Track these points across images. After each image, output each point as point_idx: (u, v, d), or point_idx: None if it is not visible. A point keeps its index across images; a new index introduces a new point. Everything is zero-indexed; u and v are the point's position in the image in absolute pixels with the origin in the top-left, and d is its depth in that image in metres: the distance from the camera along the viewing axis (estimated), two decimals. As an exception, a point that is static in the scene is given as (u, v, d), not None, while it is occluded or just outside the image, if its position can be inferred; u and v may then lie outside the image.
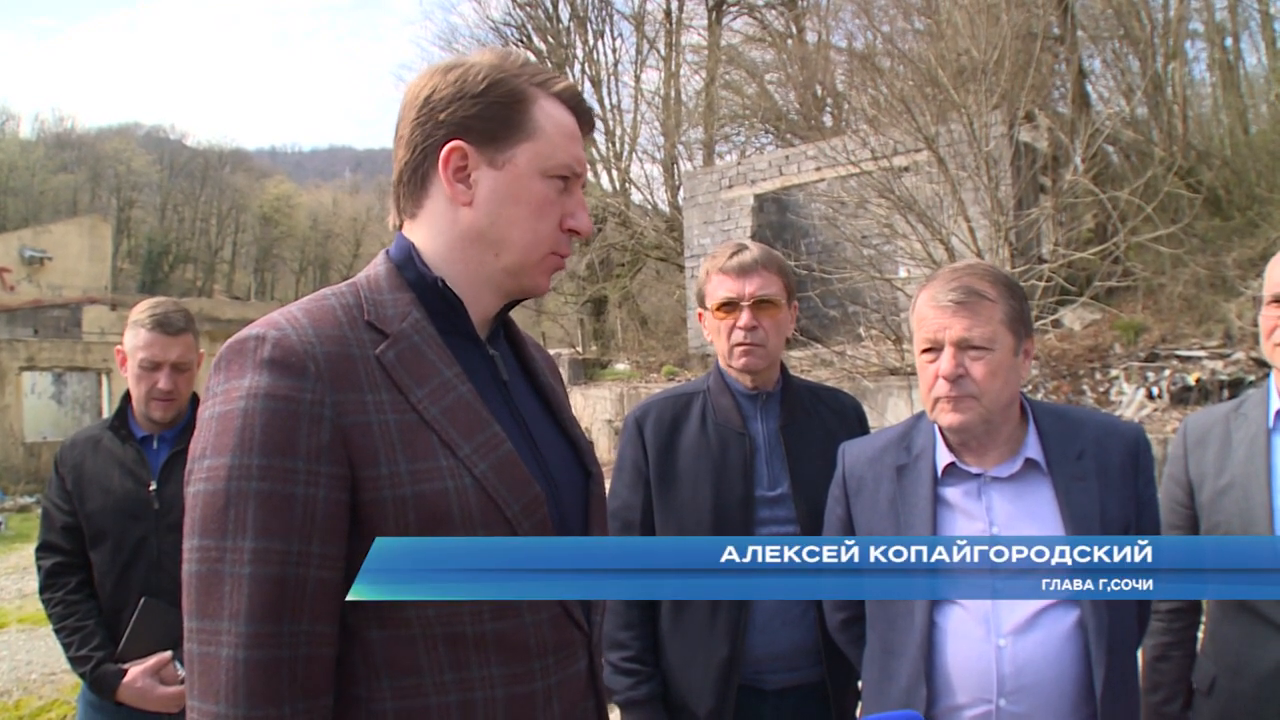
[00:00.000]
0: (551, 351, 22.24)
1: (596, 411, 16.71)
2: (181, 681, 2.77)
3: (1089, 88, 15.45)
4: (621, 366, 20.06)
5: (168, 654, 2.80)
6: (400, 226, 1.50)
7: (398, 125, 1.47)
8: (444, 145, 1.41)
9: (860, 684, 2.30)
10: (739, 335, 2.51)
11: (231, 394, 1.27)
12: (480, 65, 1.43)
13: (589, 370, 19.62)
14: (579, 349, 21.98)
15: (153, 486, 2.90)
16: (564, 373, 19.43)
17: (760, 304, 2.52)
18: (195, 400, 3.09)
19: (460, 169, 1.42)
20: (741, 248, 2.58)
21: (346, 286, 1.43)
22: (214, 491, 1.23)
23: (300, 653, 1.23)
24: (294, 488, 1.24)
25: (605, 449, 15.01)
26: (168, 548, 2.82)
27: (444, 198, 1.43)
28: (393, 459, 1.28)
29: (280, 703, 1.21)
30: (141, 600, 2.81)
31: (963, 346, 1.94)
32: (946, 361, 1.95)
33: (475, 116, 1.41)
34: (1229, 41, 15.83)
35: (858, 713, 2.42)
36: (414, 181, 1.46)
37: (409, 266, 1.44)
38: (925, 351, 2.01)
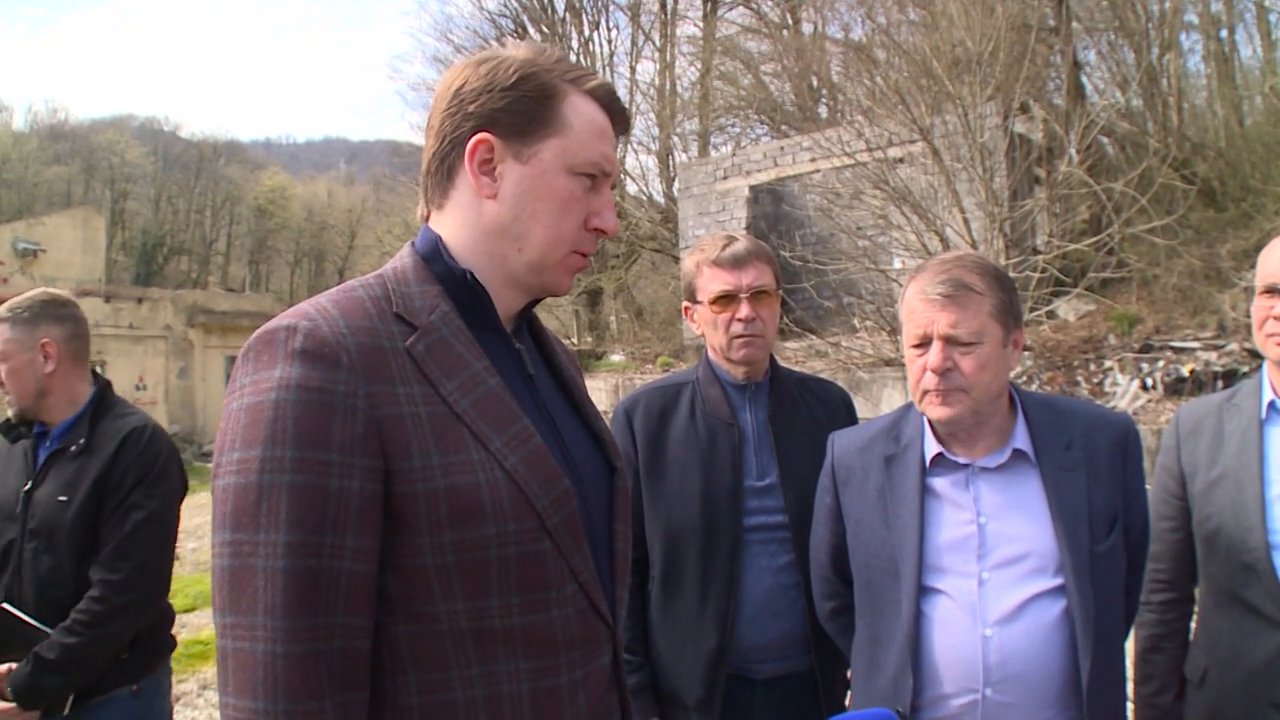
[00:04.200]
0: (546, 343, 22.24)
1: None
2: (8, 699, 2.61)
3: (1084, 79, 15.44)
4: (617, 358, 20.06)
5: (4, 667, 2.63)
6: (427, 218, 1.49)
7: (429, 116, 1.47)
8: (471, 137, 1.40)
9: (850, 673, 2.29)
10: (738, 328, 2.49)
11: (261, 385, 1.25)
12: (513, 59, 1.42)
13: (584, 362, 19.61)
14: (574, 340, 21.98)
15: (26, 487, 2.77)
16: (559, 364, 19.45)
17: (757, 294, 2.50)
18: (95, 399, 2.88)
19: (486, 162, 1.41)
20: (732, 239, 2.56)
21: (374, 278, 1.42)
22: (245, 485, 1.21)
23: (336, 646, 1.21)
24: (328, 480, 1.22)
25: (600, 441, 14.95)
26: (28, 554, 2.72)
27: (470, 190, 1.42)
28: (425, 451, 1.27)
29: (320, 696, 1.19)
30: None
31: (951, 340, 1.94)
32: (935, 355, 1.94)
33: (503, 109, 1.40)
34: (1224, 33, 15.87)
35: (847, 702, 2.41)
36: (441, 172, 1.45)
37: (436, 259, 1.44)
38: (914, 346, 2.00)
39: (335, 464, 1.22)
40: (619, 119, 1.49)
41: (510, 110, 1.40)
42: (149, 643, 2.80)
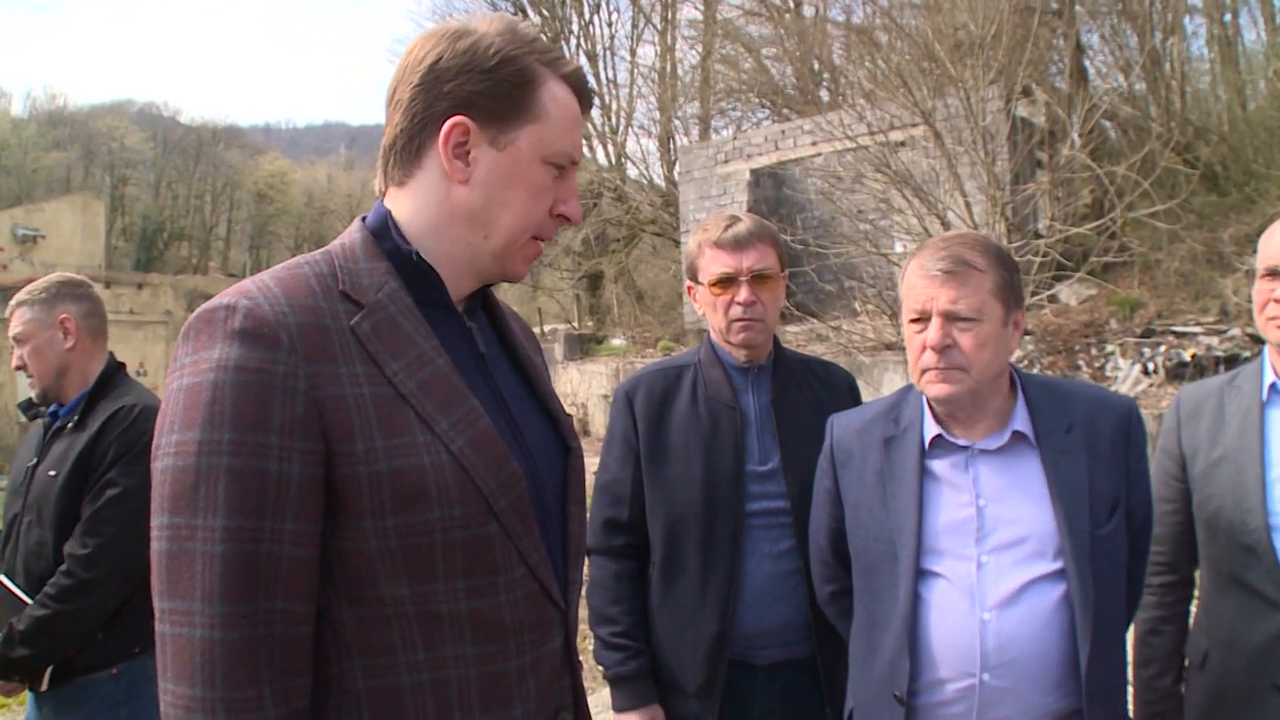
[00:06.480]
0: (548, 327, 22.13)
1: (592, 387, 16.73)
2: None
3: (1087, 63, 15.39)
4: (618, 342, 20.08)
5: None
6: (384, 194, 1.45)
7: (394, 87, 1.40)
8: (446, 119, 1.35)
9: (850, 658, 2.28)
10: (738, 311, 2.46)
11: (200, 366, 1.21)
12: (491, 38, 1.37)
13: (585, 346, 19.62)
14: (575, 324, 21.97)
15: (32, 463, 2.93)
16: (560, 348, 19.40)
17: (758, 278, 2.47)
18: (100, 378, 2.98)
19: (460, 145, 1.36)
20: (735, 220, 2.52)
21: (320, 255, 1.38)
22: (183, 467, 1.19)
23: (276, 632, 1.19)
24: (267, 463, 1.19)
25: (601, 424, 15.00)
26: (23, 527, 2.86)
27: (438, 172, 1.38)
28: (368, 434, 1.24)
29: (258, 683, 1.17)
30: None
31: (951, 317, 1.91)
32: (934, 332, 1.92)
33: (482, 93, 1.35)
34: (1228, 17, 15.77)
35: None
36: (408, 150, 1.39)
37: (386, 236, 1.40)
38: (913, 321, 1.98)
39: (274, 447, 1.20)
40: (586, 102, 1.47)
41: (489, 95, 1.36)
42: (129, 626, 2.77)
